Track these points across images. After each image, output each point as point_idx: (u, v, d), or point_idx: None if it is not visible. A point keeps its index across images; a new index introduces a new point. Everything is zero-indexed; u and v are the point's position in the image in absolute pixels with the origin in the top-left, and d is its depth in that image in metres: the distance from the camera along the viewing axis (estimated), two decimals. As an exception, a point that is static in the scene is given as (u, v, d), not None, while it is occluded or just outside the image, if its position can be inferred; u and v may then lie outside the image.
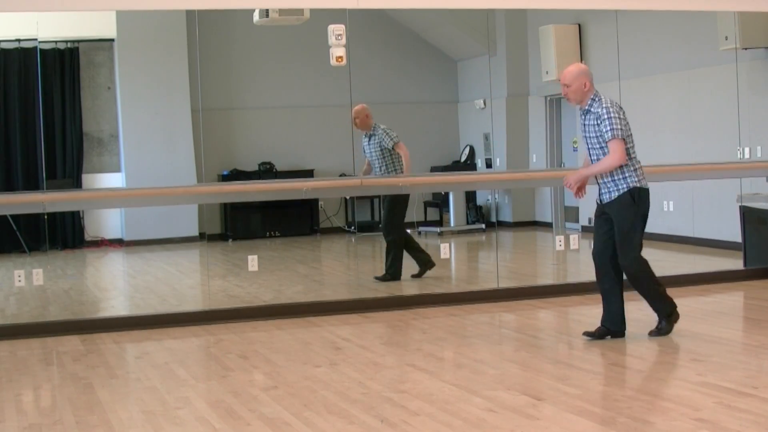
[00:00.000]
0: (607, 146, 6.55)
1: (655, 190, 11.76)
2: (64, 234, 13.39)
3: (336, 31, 8.79)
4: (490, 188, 14.23)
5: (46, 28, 11.55)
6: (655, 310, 6.96)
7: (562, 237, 10.79)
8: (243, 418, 5.17)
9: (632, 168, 6.67)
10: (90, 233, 13.69)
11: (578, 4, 11.32)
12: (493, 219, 14.65)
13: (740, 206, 9.84)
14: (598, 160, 6.66)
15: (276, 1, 9.48)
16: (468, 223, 15.00)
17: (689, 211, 11.77)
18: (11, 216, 11.90)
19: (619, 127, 6.53)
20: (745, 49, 10.46)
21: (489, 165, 15.04)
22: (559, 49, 13.17)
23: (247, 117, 14.79)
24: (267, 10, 9.68)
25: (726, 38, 10.50)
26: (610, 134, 6.51)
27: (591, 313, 8.26)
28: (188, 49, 13.76)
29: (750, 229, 9.74)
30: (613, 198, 6.70)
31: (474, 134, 15.71)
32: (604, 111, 6.54)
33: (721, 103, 11.08)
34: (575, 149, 13.87)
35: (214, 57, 14.06)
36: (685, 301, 8.54)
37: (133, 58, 13.92)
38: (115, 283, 10.15)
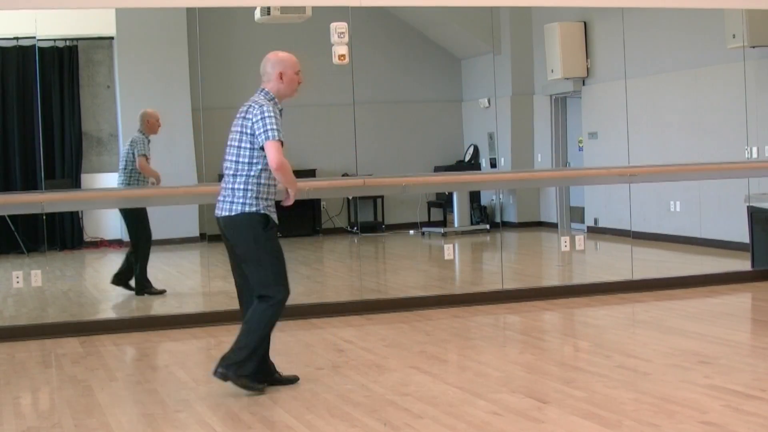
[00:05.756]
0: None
1: (661, 190, 11.85)
2: (63, 235, 13.32)
3: (338, 29, 8.74)
4: (494, 188, 14.20)
5: (44, 26, 11.46)
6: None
7: (567, 238, 10.72)
8: (244, 422, 5.14)
9: None
10: (89, 234, 13.62)
11: (584, 2, 11.30)
12: (498, 219, 14.62)
13: (748, 206, 9.79)
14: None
15: (278, -1, 9.44)
16: (472, 223, 14.97)
17: (696, 212, 11.71)
18: (9, 216, 11.84)
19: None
20: (753, 47, 10.42)
21: (493, 165, 15.01)
22: (565, 47, 13.12)
23: (249, 116, 14.72)
24: (268, 8, 9.65)
25: (734, 36, 10.44)
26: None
27: (597, 314, 8.22)
28: (189, 47, 13.71)
29: (758, 229, 9.70)
30: None
31: (478, 133, 15.67)
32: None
33: (729, 101, 11.02)
34: (581, 149, 13.82)
35: (215, 55, 14.01)
36: (692, 302, 8.52)
37: (132, 56, 13.87)
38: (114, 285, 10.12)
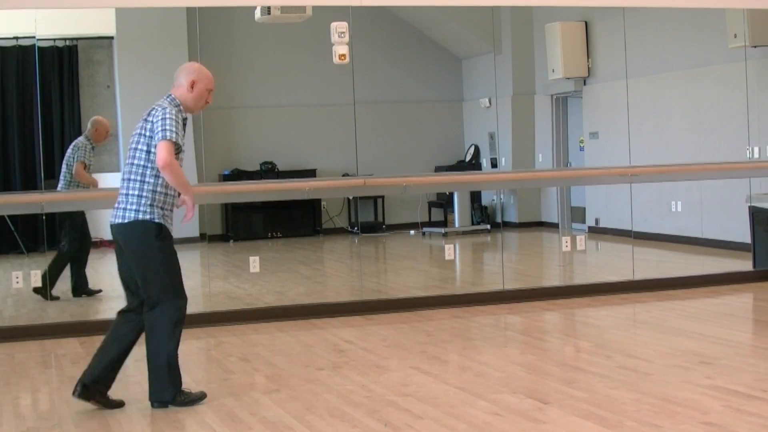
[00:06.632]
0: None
1: (663, 189, 11.83)
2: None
3: (339, 28, 8.73)
4: (495, 188, 14.18)
5: (44, 25, 11.44)
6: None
7: (568, 238, 10.71)
8: (244, 422, 5.13)
9: None
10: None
11: (585, 2, 11.27)
12: (499, 219, 14.59)
13: (749, 206, 9.77)
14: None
15: (278, -2, 9.44)
16: (473, 223, 14.96)
17: (697, 212, 11.69)
18: (9, 216, 11.82)
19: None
20: (755, 47, 10.41)
21: (494, 165, 14.99)
22: (566, 46, 13.11)
23: (249, 116, 14.73)
24: (269, 8, 9.64)
25: (735, 36, 10.43)
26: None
27: (598, 315, 8.20)
28: (189, 47, 13.70)
29: (759, 229, 9.68)
30: None
31: (479, 133, 15.66)
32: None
33: (730, 101, 11.00)
34: (582, 148, 13.80)
35: (215, 55, 14.00)
36: (693, 303, 8.50)
37: (132, 56, 13.86)
38: (114, 285, 10.06)
